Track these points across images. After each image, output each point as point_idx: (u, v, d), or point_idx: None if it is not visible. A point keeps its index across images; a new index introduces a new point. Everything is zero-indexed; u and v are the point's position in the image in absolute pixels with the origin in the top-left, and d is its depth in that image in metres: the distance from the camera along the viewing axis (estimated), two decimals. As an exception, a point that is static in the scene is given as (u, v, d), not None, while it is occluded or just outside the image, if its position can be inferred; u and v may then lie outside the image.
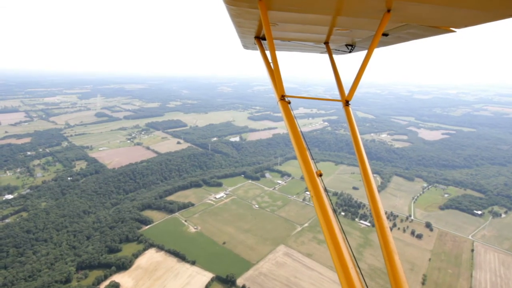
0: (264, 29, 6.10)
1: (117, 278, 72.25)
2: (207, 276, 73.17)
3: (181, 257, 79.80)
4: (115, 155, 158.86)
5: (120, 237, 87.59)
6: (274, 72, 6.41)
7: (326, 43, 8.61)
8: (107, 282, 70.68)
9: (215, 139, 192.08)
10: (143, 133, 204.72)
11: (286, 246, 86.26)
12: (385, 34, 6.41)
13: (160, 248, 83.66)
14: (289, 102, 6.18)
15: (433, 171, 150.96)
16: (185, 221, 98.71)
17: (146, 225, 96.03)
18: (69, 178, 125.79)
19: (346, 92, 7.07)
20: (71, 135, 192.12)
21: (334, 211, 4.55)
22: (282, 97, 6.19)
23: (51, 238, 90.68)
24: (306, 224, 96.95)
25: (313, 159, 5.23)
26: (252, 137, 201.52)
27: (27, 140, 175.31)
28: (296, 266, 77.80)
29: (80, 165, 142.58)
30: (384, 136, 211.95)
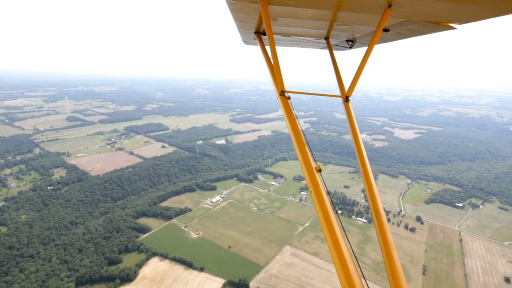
0: (264, 24, 6.16)
1: (123, 291, 68.23)
2: (219, 282, 71.62)
3: (188, 264, 77.27)
4: (96, 161, 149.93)
5: (119, 247, 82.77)
6: (274, 68, 6.46)
7: (327, 38, 8.69)
8: (112, 296, 66.50)
9: (200, 142, 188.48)
10: (123, 137, 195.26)
11: (292, 246, 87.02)
12: (386, 30, 6.49)
13: (164, 256, 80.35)
14: (289, 98, 6.22)
15: (413, 168, 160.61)
16: (185, 227, 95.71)
17: (144, 233, 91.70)
18: (49, 187, 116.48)
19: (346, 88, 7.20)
20: (43, 141, 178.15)
21: (334, 206, 4.68)
22: (282, 93, 6.24)
23: (38, 254, 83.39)
24: (307, 224, 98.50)
25: (312, 155, 5.32)
26: (237, 139, 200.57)
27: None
28: (305, 265, 78.75)
29: (59, 173, 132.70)
30: (364, 136, 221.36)
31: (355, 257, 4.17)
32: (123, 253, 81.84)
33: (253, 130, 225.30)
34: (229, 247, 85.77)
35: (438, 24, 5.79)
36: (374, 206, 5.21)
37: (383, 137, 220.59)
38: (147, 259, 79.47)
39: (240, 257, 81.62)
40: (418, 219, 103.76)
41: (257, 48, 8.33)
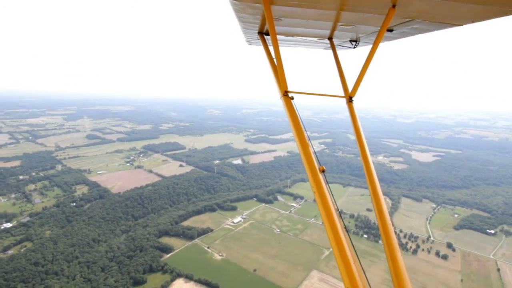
0: (267, 25, 6.19)
1: (149, 313, 66.24)
2: (247, 307, 68.91)
3: (214, 287, 75.03)
4: (116, 178, 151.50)
5: (143, 267, 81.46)
6: (277, 68, 6.45)
7: (330, 38, 8.63)
8: (139, 319, 64.51)
9: (217, 161, 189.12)
10: (141, 155, 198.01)
11: (319, 271, 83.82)
12: (389, 30, 6.43)
13: (189, 278, 78.41)
14: (292, 98, 6.22)
15: (436, 191, 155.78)
16: (208, 247, 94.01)
17: (167, 253, 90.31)
18: (73, 204, 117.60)
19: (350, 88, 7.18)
20: (65, 158, 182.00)
21: (337, 207, 4.68)
22: (285, 93, 6.22)
23: (62, 271, 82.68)
24: (356, 258, 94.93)
25: (316, 155, 5.31)
26: (254, 159, 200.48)
27: (16, 163, 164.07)
28: (335, 292, 75.34)
29: (81, 190, 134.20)
30: (381, 158, 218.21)
31: (358, 258, 4.26)
32: (147, 273, 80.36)
33: (269, 151, 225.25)
34: (255, 270, 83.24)
35: (443, 23, 5.76)
36: (377, 205, 5.19)
37: (401, 159, 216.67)
38: (172, 280, 77.70)
39: (266, 281, 78.89)
40: (449, 245, 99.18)
41: (260, 48, 8.41)
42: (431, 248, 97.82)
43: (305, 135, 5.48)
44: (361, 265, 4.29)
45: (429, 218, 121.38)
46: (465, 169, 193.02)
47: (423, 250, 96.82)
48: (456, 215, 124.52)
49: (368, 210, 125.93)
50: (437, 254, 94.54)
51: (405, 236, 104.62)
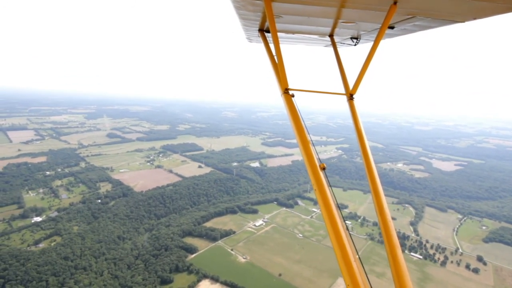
0: (268, 22, 6.15)
1: (178, 313, 66.63)
2: (274, 312, 68.35)
3: (240, 290, 74.90)
4: (138, 177, 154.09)
5: (170, 266, 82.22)
6: (278, 65, 6.37)
7: (331, 36, 8.53)
8: (169, 318, 64.98)
9: (235, 164, 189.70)
10: (161, 155, 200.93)
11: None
12: (391, 27, 6.32)
13: (215, 279, 78.55)
14: (293, 96, 6.16)
15: (460, 202, 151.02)
16: (231, 249, 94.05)
17: (192, 253, 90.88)
18: (98, 201, 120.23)
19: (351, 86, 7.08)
20: (88, 155, 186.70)
21: (338, 205, 4.63)
22: (286, 90, 6.17)
23: (90, 266, 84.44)
24: (356, 256, 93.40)
25: (316, 153, 5.25)
26: (271, 163, 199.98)
27: (42, 159, 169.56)
28: (363, 301, 73.71)
29: (105, 187, 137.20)
30: (400, 165, 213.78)
31: (358, 256, 4.25)
32: (173, 272, 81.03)
33: (286, 155, 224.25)
34: (280, 274, 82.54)
35: (445, 20, 5.68)
36: (378, 203, 5.23)
37: (421, 167, 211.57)
38: (198, 281, 78.04)
39: (292, 286, 78.09)
40: (480, 259, 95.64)
41: (261, 45, 8.37)
42: (460, 260, 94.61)
43: (306, 132, 5.48)
44: (362, 263, 4.28)
45: (455, 229, 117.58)
46: (490, 180, 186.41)
47: (451, 262, 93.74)
48: (484, 227, 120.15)
49: (393, 219, 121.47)
50: (467, 267, 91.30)
51: (432, 247, 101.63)
